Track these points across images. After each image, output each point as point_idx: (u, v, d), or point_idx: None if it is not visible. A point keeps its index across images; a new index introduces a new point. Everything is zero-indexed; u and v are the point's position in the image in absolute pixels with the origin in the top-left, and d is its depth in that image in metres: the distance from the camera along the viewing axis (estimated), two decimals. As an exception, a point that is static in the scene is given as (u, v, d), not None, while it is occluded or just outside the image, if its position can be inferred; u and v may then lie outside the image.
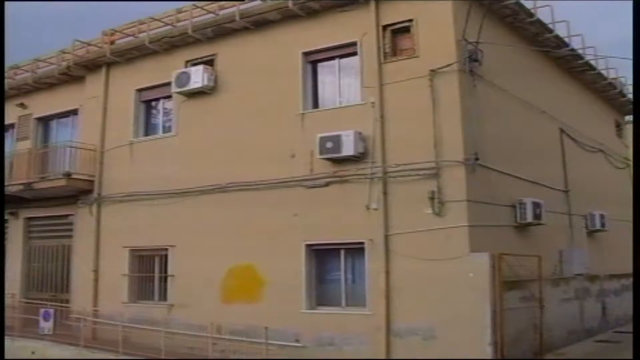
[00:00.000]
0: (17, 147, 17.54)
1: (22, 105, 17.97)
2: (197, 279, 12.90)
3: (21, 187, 15.66)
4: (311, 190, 11.80)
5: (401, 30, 11.41)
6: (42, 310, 14.52)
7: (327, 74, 12.33)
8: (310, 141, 11.65)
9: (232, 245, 12.55)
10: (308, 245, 11.75)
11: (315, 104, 12.36)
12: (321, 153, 11.43)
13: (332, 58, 12.17)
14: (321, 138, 11.40)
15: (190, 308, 12.86)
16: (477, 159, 10.53)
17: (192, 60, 13.92)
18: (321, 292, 11.80)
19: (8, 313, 16.18)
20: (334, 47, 12.05)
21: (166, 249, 13.65)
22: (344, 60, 12.08)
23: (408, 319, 10.47)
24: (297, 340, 11.43)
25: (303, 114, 12.16)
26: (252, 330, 11.49)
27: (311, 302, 11.69)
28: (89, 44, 16.00)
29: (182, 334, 12.44)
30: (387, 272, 10.78)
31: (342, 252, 11.59)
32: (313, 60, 12.43)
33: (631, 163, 16.18)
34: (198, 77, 13.28)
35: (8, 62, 18.27)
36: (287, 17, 12.55)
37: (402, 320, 10.54)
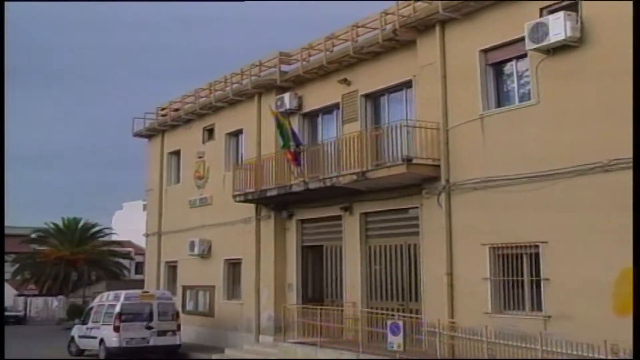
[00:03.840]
0: (343, 131, 21.90)
1: (345, 81, 22.34)
2: (579, 283, 14.98)
3: (354, 177, 19.65)
4: None
5: None
6: (389, 323, 18.03)
7: None
8: None
9: (623, 239, 13.93)
10: None
11: None
12: None
13: None
14: None
15: (573, 320, 14.95)
16: None
17: (549, 6, 16.04)
18: None
19: (349, 325, 20.57)
20: None
21: (536, 246, 16.08)
22: None
23: None
24: None
25: None
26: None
27: None
28: (416, 0, 19.25)
29: (564, 354, 14.56)
30: None
31: None
32: None
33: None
34: (559, 27, 15.26)
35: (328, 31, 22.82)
36: None
37: None
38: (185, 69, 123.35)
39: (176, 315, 25.79)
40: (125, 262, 57.21)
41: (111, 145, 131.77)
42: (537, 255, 16.16)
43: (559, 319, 15.39)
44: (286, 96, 24.32)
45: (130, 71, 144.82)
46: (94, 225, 56.63)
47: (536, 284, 16.23)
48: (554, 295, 15.67)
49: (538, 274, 16.13)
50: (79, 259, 52.10)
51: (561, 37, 15.30)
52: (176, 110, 31.71)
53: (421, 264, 19.31)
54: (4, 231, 19.81)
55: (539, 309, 16.04)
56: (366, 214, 21.62)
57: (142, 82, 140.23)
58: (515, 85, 17.38)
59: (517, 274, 16.67)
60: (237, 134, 28.19)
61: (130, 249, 60.79)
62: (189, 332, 27.52)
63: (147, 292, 27.47)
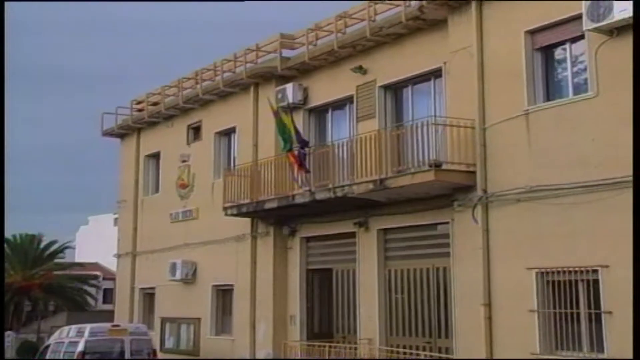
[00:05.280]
0: (358, 129, 21.92)
1: (360, 68, 22.31)
2: (651, 317, 14.76)
3: (370, 186, 19.68)
4: None
5: None
6: (412, 364, 18.20)
7: None
8: None
9: None
10: None
11: None
12: None
13: None
14: None
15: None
16: None
17: (613, -24, 15.90)
18: None
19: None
20: None
21: (595, 271, 15.94)
22: None
23: None
24: None
25: None
26: None
27: None
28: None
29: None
30: None
31: None
32: None
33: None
34: (625, 1, 14.98)
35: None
36: None
37: None
38: (174, 70, 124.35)
39: (153, 354, 25.48)
40: (91, 289, 57.00)
41: (75, 146, 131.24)
42: (596, 282, 16.01)
43: (626, 361, 15.24)
44: (288, 87, 24.23)
45: (102, 65, 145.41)
46: (52, 244, 56.40)
47: (595, 318, 16.07)
48: (618, 333, 15.43)
49: (598, 305, 15.96)
50: (33, 285, 51.64)
51: (628, 14, 15.08)
52: (155, 104, 31.65)
53: (452, 292, 19.24)
54: (4, 233, 20.91)
55: (600, 349, 15.89)
56: (385, 230, 21.59)
57: (117, 77, 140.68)
58: (568, 74, 17.33)
59: (572, 305, 16.54)
60: (228, 133, 28.23)
61: (97, 272, 60.81)
62: (168, 374, 27.50)
63: (117, 326, 27.14)
